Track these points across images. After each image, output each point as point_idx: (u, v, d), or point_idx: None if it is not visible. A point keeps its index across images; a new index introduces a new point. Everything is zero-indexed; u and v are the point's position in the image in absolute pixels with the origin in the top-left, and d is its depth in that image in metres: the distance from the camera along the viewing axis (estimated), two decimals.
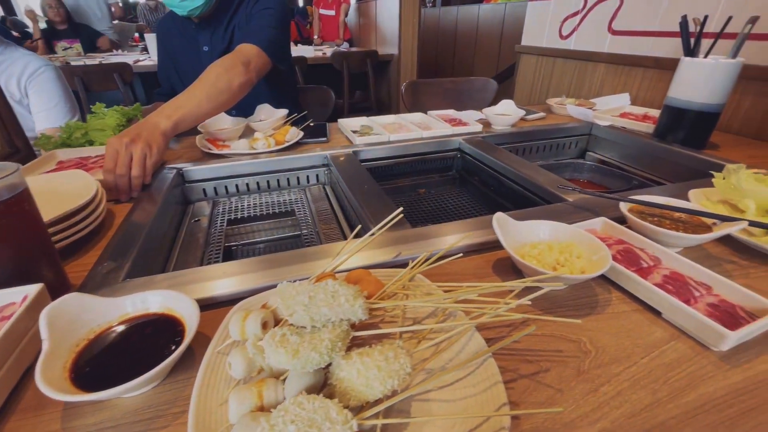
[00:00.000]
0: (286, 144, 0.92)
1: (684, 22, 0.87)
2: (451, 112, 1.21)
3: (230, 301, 0.43)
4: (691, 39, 0.86)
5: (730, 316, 0.39)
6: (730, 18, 0.84)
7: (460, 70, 4.22)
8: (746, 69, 0.84)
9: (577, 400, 0.33)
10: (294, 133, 0.97)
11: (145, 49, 3.52)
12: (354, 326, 0.34)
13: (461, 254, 0.45)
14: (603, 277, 0.46)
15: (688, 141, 0.90)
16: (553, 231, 0.50)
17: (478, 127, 1.03)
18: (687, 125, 0.90)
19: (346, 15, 4.07)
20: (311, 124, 1.08)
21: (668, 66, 1.18)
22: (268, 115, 1.07)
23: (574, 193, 0.66)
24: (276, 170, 0.86)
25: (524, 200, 0.75)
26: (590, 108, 1.21)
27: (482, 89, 1.71)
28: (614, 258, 0.45)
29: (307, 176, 0.89)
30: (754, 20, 0.79)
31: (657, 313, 0.42)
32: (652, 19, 1.21)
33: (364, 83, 3.25)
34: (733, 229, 0.49)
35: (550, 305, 0.44)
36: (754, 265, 0.50)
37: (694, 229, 0.51)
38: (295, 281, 0.35)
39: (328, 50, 3.48)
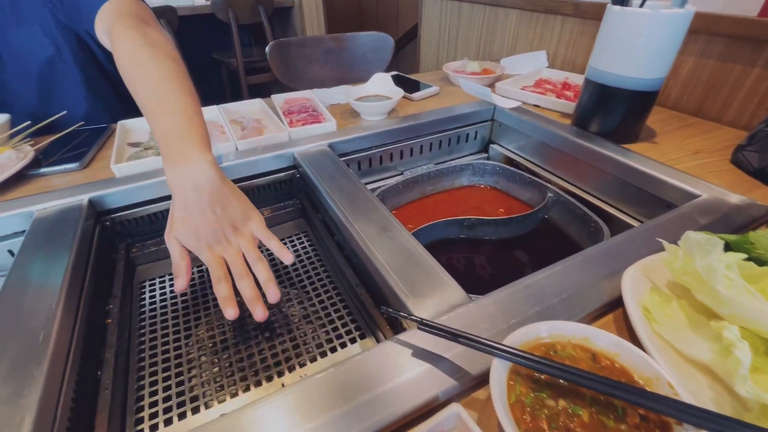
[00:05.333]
0: None
1: None
2: (307, 95, 0.84)
3: None
4: None
5: None
6: None
7: (384, 18, 3.67)
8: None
9: None
10: (6, 162, 0.56)
11: None
12: None
13: None
14: None
15: (617, 134, 0.63)
16: None
17: (331, 126, 0.68)
18: (616, 111, 0.62)
19: None
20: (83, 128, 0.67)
21: (592, 14, 0.88)
22: None
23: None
24: None
25: (370, 284, 0.44)
26: (494, 75, 0.90)
27: (376, 48, 1.33)
28: None
29: (10, 251, 0.51)
30: None
31: None
32: None
33: (262, 37, 2.68)
34: None
35: None
36: None
37: None
38: None
39: None
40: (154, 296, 0.51)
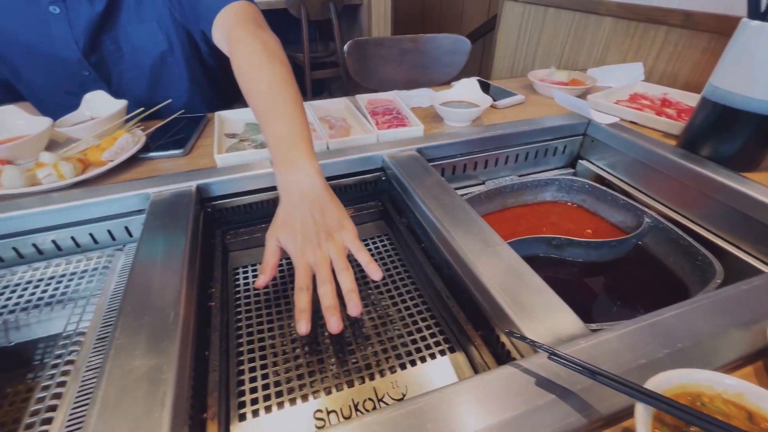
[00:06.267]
0: (105, 168, 0.58)
1: None
2: (390, 97, 0.84)
3: None
4: None
5: None
6: None
7: (448, 15, 3.62)
8: None
9: None
10: (125, 145, 0.62)
11: None
12: None
13: None
14: None
15: (735, 160, 0.57)
16: None
17: (418, 131, 0.68)
18: (739, 136, 0.56)
19: None
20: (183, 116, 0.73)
21: (707, 26, 0.81)
22: (99, 110, 0.70)
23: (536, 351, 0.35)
24: (64, 224, 0.52)
25: (465, 298, 0.44)
26: (585, 87, 0.86)
27: (451, 51, 1.31)
28: None
29: (126, 227, 0.55)
30: None
31: None
32: None
33: (329, 34, 2.74)
34: None
35: None
36: None
37: None
38: None
39: None
40: (247, 283, 0.54)
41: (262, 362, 0.43)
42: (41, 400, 0.36)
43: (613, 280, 0.59)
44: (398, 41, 1.31)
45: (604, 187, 0.69)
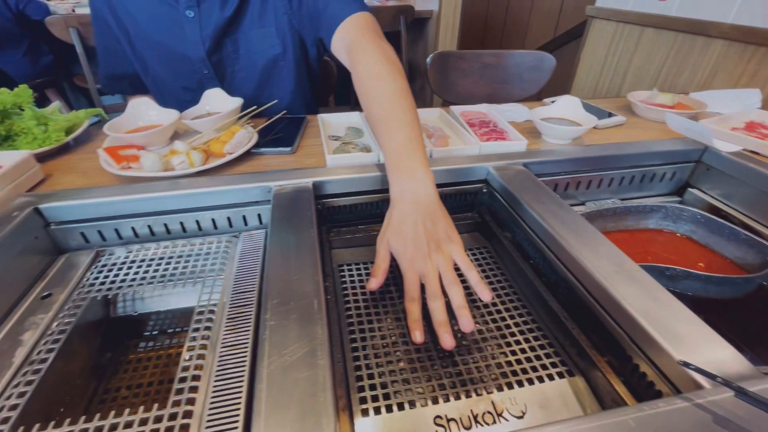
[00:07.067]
0: (225, 159, 0.62)
1: None
2: (484, 110, 0.84)
3: None
4: None
5: None
6: None
7: (512, 31, 3.58)
8: None
9: None
10: (242, 140, 0.66)
11: None
12: None
13: None
14: None
15: None
16: None
17: (521, 146, 0.67)
18: None
19: None
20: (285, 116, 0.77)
21: None
22: (218, 108, 0.76)
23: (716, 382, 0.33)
24: (192, 208, 0.56)
25: (592, 322, 0.42)
26: (693, 111, 0.81)
27: (535, 67, 1.29)
28: None
29: (244, 216, 0.59)
30: None
31: None
32: None
33: (397, 45, 2.80)
34: None
35: None
36: None
37: None
38: None
39: None
40: (353, 280, 0.55)
41: (377, 360, 0.44)
42: (186, 368, 0.38)
43: (736, 320, 0.55)
44: (480, 55, 1.31)
45: (720, 219, 0.64)
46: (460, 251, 0.45)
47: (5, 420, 0.34)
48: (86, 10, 2.57)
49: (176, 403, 0.35)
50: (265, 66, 0.82)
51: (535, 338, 0.47)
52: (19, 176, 0.56)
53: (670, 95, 0.87)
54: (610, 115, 0.83)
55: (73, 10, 2.67)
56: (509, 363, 0.44)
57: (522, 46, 3.31)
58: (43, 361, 0.40)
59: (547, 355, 0.44)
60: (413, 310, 0.42)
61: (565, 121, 0.76)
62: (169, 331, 0.56)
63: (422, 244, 0.44)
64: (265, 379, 0.30)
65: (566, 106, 0.77)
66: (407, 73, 2.90)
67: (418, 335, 0.41)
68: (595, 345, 0.41)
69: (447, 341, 0.40)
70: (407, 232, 0.45)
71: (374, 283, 0.46)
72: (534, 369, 0.43)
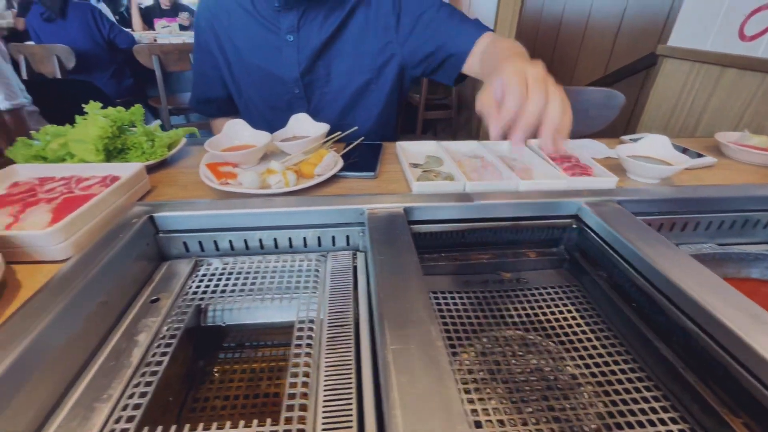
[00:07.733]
0: (315, 181, 0.65)
1: None
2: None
3: None
4: None
5: None
6: None
7: (559, 67, 3.58)
8: None
9: None
10: (329, 163, 0.68)
11: None
12: None
13: None
14: None
15: None
16: None
17: (611, 182, 0.65)
18: None
19: None
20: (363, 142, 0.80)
21: None
22: (303, 132, 0.80)
23: None
24: (285, 225, 0.58)
25: (719, 376, 0.39)
26: None
27: (603, 105, 1.27)
28: None
29: (333, 237, 0.60)
30: None
31: None
32: None
33: None
34: None
35: None
36: None
37: None
38: None
39: None
40: (448, 306, 0.54)
41: (467, 396, 0.42)
42: (294, 385, 0.39)
43: None
44: None
45: None
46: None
47: (130, 418, 0.36)
48: (166, 41, 2.84)
49: (288, 420, 0.35)
50: (356, 90, 0.85)
51: (647, 388, 0.43)
52: (133, 186, 0.61)
53: (764, 138, 0.83)
54: (698, 155, 0.79)
55: (155, 40, 2.96)
56: (611, 414, 0.41)
57: (569, 83, 3.29)
58: (159, 363, 0.41)
59: (664, 409, 0.41)
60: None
61: (651, 159, 0.73)
62: (254, 344, 0.57)
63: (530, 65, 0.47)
64: (399, 405, 0.29)
65: (653, 144, 0.75)
66: (455, 104, 2.96)
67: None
68: (724, 402, 0.38)
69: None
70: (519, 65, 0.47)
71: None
72: (652, 423, 0.40)
